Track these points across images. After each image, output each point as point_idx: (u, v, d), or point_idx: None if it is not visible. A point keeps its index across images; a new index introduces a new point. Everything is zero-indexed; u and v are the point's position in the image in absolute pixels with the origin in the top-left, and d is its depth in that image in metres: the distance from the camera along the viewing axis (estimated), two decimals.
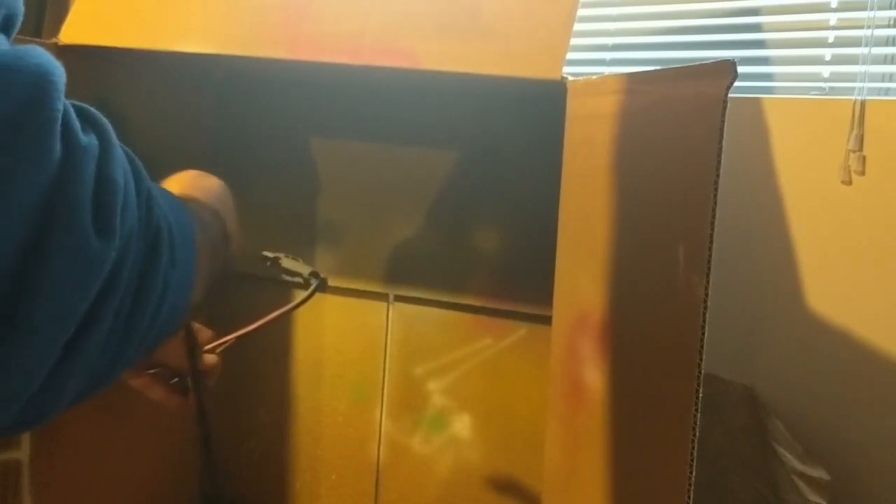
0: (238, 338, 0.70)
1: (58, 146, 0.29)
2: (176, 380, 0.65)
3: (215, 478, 0.67)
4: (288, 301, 0.73)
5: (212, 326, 0.68)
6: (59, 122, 0.29)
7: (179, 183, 0.56)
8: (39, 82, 0.29)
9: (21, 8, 0.31)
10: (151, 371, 0.63)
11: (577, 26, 0.69)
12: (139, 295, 0.34)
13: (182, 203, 0.44)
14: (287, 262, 0.77)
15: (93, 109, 0.34)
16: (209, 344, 0.67)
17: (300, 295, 0.75)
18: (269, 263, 0.77)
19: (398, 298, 0.99)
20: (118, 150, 0.33)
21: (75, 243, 0.29)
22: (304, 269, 0.76)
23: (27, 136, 0.28)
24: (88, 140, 0.31)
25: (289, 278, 0.77)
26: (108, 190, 0.31)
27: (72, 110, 0.31)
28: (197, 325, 0.67)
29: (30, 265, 0.28)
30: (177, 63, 0.87)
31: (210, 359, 0.66)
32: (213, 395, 0.69)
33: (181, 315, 0.41)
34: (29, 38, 0.75)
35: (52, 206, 0.28)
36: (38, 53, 0.30)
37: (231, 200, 0.61)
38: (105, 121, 0.34)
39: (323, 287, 0.75)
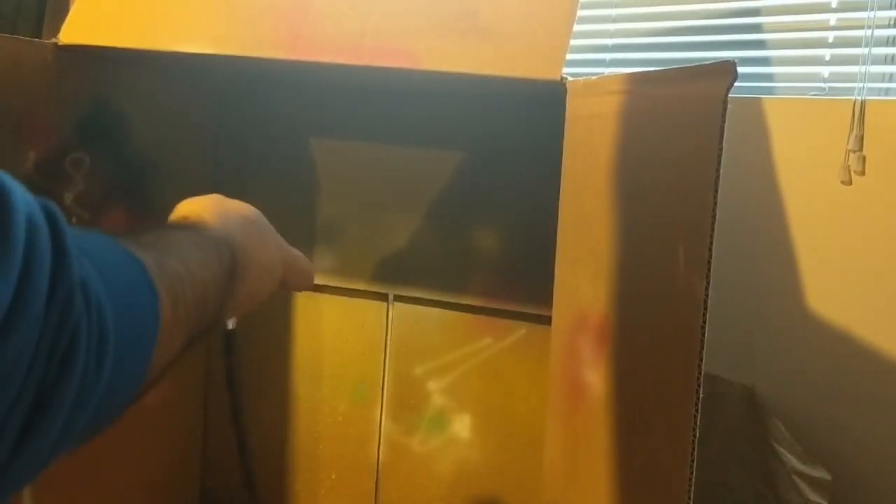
0: None
1: None
2: None
3: (250, 478, 0.65)
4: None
5: None
6: None
7: (186, 208, 0.50)
8: None
9: None
10: None
11: (577, 26, 0.69)
12: (36, 419, 0.28)
13: (140, 263, 0.37)
14: None
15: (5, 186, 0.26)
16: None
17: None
18: None
19: (398, 298, 0.99)
20: (15, 237, 0.26)
21: None
22: None
23: None
24: None
25: None
26: None
27: None
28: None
29: None
30: (177, 63, 0.87)
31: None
32: (212, 396, 0.69)
33: (124, 404, 0.36)
34: (28, 39, 0.75)
35: None
36: None
37: (258, 225, 0.54)
38: (12, 192, 0.26)
39: None
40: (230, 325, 0.65)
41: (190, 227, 0.47)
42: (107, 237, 0.37)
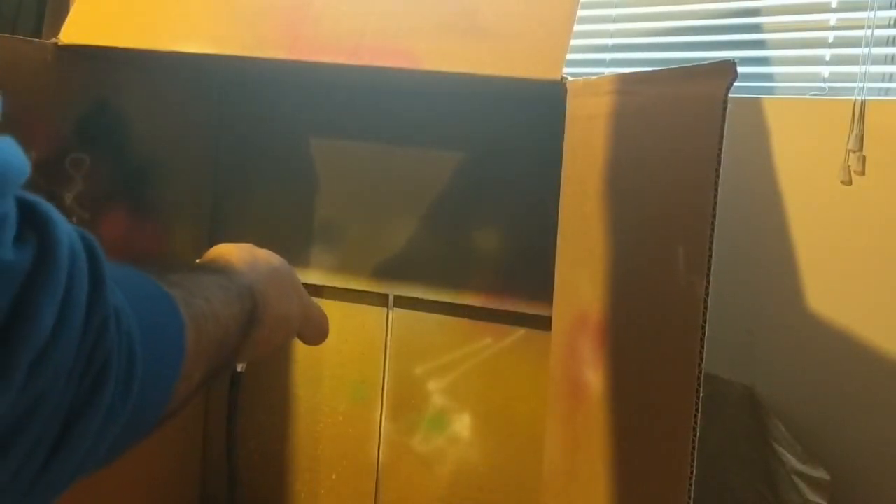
0: None
1: None
2: None
3: (234, 482, 0.66)
4: None
5: None
6: None
7: (218, 252, 0.51)
8: None
9: None
10: None
11: (577, 26, 0.69)
12: (63, 440, 0.29)
13: (168, 297, 0.38)
14: None
15: (44, 207, 0.27)
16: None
17: None
18: None
19: (398, 298, 0.99)
20: (59, 266, 0.27)
21: None
22: None
23: None
24: (16, 257, 0.25)
25: None
26: (19, 331, 0.25)
27: (12, 214, 0.25)
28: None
29: None
30: (177, 63, 0.87)
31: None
32: (213, 395, 0.69)
33: (144, 432, 0.37)
34: (28, 39, 0.75)
35: None
36: None
37: (283, 277, 0.54)
38: (54, 223, 0.27)
39: None
40: (240, 367, 0.65)
41: (217, 271, 0.48)
42: (138, 271, 0.38)
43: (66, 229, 0.28)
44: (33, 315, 0.25)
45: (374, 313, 1.00)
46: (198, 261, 0.51)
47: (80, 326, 0.28)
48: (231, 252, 0.51)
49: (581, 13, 0.85)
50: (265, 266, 0.52)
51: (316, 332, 0.58)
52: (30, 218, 0.26)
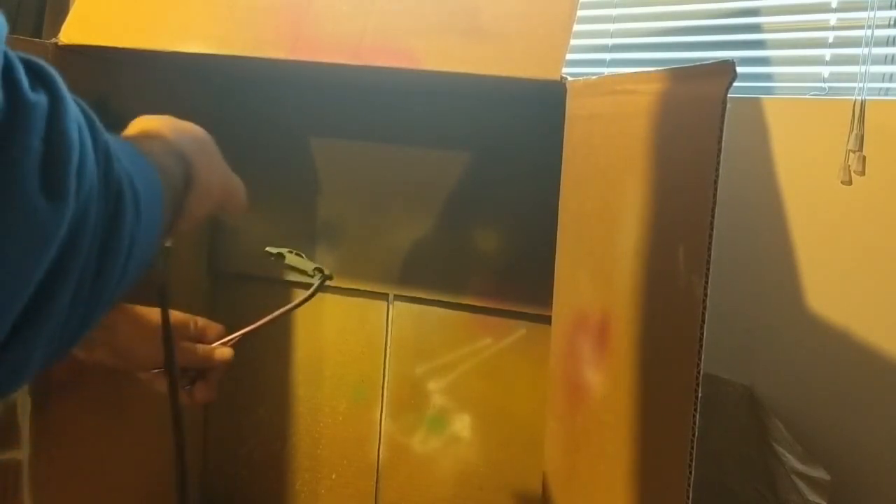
0: (244, 334, 0.71)
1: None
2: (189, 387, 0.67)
3: (184, 488, 0.67)
4: (292, 299, 0.73)
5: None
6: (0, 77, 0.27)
7: (143, 123, 0.54)
8: None
9: None
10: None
11: (577, 26, 0.69)
12: (104, 256, 0.33)
13: (141, 152, 0.42)
14: (291, 259, 0.77)
15: (41, 63, 0.31)
16: (220, 338, 0.68)
17: (303, 293, 0.75)
18: (272, 258, 0.78)
19: (398, 298, 0.99)
20: (71, 104, 0.31)
21: (19, 209, 0.27)
22: (308, 265, 0.76)
23: None
24: (37, 97, 0.29)
25: (293, 276, 0.77)
26: (60, 148, 0.29)
27: (18, 64, 0.29)
28: (205, 321, 0.67)
29: None
30: (177, 63, 0.87)
31: (225, 352, 0.67)
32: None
33: (145, 265, 0.40)
34: (28, 39, 0.75)
35: None
36: None
37: (208, 145, 0.58)
38: (55, 75, 0.31)
39: (329, 279, 0.75)
40: (168, 242, 0.66)
41: (153, 138, 0.51)
42: None
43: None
44: (66, 140, 0.30)
45: (374, 313, 1.00)
46: (126, 132, 0.52)
47: (93, 149, 0.32)
48: (158, 123, 0.53)
49: (581, 13, 0.85)
50: (190, 136, 0.54)
51: (236, 203, 0.61)
52: (36, 71, 0.30)
